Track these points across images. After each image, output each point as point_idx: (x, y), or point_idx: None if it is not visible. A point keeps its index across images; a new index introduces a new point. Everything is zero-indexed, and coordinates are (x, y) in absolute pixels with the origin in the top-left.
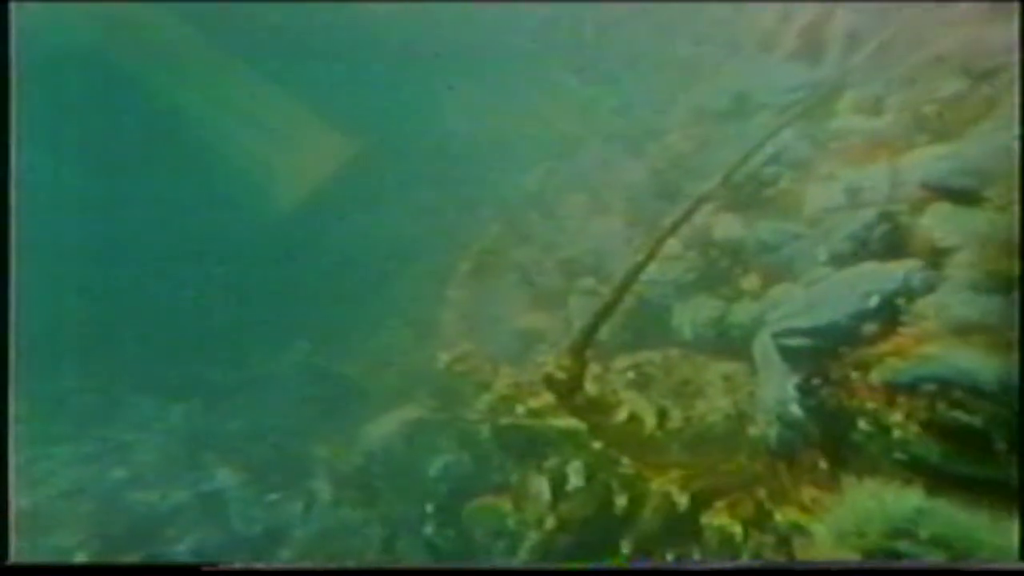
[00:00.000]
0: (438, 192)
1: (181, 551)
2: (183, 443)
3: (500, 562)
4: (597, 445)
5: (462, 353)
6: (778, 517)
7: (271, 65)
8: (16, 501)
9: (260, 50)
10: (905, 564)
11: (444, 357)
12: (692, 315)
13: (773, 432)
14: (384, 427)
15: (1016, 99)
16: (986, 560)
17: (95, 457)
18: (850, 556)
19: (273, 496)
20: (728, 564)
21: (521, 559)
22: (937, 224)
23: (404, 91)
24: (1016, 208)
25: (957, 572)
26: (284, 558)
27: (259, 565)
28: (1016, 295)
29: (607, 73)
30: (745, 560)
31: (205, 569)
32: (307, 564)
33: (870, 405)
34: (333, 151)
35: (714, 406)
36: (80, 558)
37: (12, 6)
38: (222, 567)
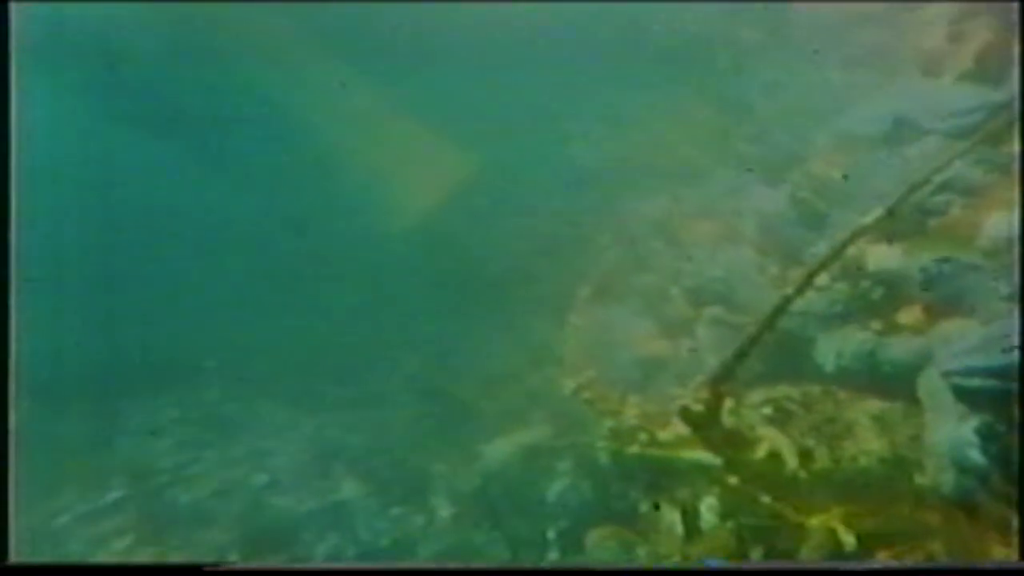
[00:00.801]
0: (554, 216)
1: (319, 556)
2: (313, 453)
3: (503, 563)
4: (733, 480)
5: (588, 380)
6: None
7: (386, 72)
8: (176, 498)
9: (373, 55)
10: (907, 565)
11: (569, 383)
12: (837, 349)
13: (948, 479)
14: (502, 449)
15: None
16: (986, 560)
17: (239, 461)
18: None
19: (396, 510)
20: (730, 565)
21: None
22: None
23: (524, 106)
24: None
25: (958, 572)
26: None
27: (259, 565)
28: None
29: (741, 101)
30: (747, 561)
31: (206, 569)
32: (307, 564)
33: None
34: (450, 167)
35: (865, 448)
36: (232, 557)
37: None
38: (223, 567)
